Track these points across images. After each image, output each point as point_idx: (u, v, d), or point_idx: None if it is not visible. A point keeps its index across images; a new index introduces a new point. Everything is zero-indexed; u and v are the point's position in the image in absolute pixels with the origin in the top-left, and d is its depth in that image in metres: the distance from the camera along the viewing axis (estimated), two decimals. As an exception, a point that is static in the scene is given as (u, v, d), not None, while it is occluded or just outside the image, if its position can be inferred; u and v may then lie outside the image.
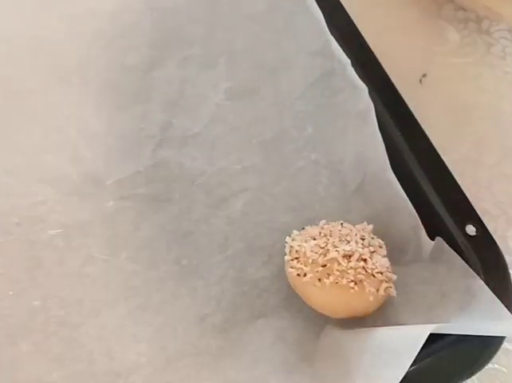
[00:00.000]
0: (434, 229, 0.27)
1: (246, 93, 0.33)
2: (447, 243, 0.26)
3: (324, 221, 0.27)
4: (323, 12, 0.32)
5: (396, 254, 0.28)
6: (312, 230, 0.26)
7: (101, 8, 0.35)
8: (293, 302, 0.27)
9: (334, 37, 0.31)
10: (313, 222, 0.28)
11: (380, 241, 0.26)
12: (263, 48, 0.34)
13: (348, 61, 0.30)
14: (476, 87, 0.35)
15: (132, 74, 0.33)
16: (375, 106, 0.29)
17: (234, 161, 0.31)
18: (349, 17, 0.32)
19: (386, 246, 0.27)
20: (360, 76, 0.30)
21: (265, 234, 0.29)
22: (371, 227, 0.27)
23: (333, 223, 0.27)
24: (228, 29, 0.35)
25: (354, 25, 0.32)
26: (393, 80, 0.34)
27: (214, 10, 0.35)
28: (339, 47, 0.30)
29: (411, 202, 0.27)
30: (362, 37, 0.31)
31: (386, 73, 0.30)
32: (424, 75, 0.35)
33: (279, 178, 0.31)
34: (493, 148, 0.33)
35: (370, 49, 0.31)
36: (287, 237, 0.27)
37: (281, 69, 0.33)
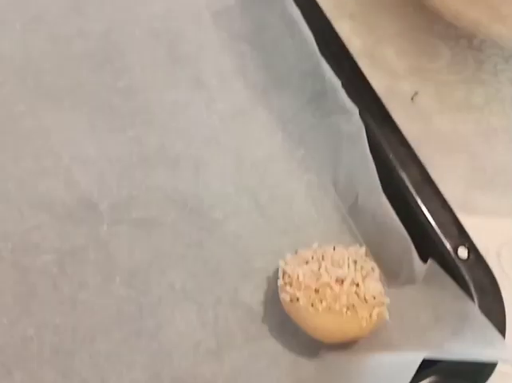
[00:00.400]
0: (426, 251, 0.27)
1: (238, 114, 0.33)
2: (440, 265, 0.26)
3: (316, 244, 0.27)
4: (313, 32, 0.32)
5: (390, 275, 0.28)
6: (304, 253, 0.26)
7: (91, 29, 0.35)
8: (287, 326, 0.27)
9: (325, 57, 0.31)
10: (307, 244, 0.28)
11: (373, 264, 0.26)
12: (254, 68, 0.34)
13: (339, 83, 0.30)
14: (467, 104, 0.35)
15: (124, 96, 0.33)
16: (366, 127, 0.29)
17: (228, 183, 0.31)
18: (339, 36, 0.32)
19: (379, 268, 0.27)
20: (350, 97, 0.30)
21: (259, 257, 0.29)
22: (363, 249, 0.27)
23: (326, 247, 0.27)
24: (219, 50, 0.35)
25: (344, 46, 0.32)
26: (385, 98, 0.34)
27: (205, 31, 0.35)
28: (329, 68, 0.30)
29: (403, 224, 0.27)
30: (352, 58, 0.31)
31: (376, 94, 0.30)
32: (416, 93, 0.35)
33: (272, 200, 0.31)
34: (485, 165, 0.34)
35: (361, 70, 0.31)
36: (280, 260, 0.27)
37: (272, 90, 0.33)
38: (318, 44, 0.31)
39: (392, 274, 0.28)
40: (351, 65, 0.31)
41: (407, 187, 0.28)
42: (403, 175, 0.28)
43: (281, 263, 0.26)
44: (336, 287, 0.24)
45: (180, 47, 0.35)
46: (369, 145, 0.29)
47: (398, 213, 0.28)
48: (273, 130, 0.33)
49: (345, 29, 0.37)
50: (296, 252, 0.27)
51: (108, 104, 0.33)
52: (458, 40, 0.37)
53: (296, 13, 0.32)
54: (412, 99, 0.35)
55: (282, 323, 0.27)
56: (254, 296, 0.28)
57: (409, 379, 0.22)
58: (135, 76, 0.34)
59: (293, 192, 0.31)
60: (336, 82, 0.30)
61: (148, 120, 0.32)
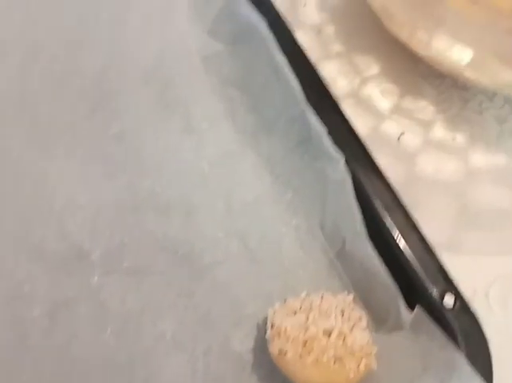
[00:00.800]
0: (413, 298, 0.27)
1: (228, 157, 0.34)
2: (427, 312, 0.26)
3: (304, 293, 0.27)
4: (299, 76, 0.32)
5: (377, 321, 0.28)
6: (293, 303, 0.27)
7: (89, 67, 0.36)
8: (276, 375, 0.27)
9: (310, 102, 0.32)
10: (296, 288, 0.29)
11: (361, 312, 0.27)
12: (243, 112, 0.35)
13: (324, 131, 0.30)
14: (453, 143, 0.36)
15: (116, 142, 0.34)
16: (352, 173, 0.30)
17: (218, 227, 0.31)
18: (325, 82, 0.33)
19: (367, 314, 0.27)
20: (336, 143, 0.30)
21: (249, 303, 0.29)
22: (351, 297, 0.27)
23: (314, 295, 0.27)
24: (209, 94, 0.35)
25: (329, 91, 0.32)
26: (370, 138, 0.35)
27: (195, 75, 0.36)
28: (314, 117, 0.31)
29: (390, 270, 0.28)
30: (338, 104, 0.32)
31: (361, 140, 0.31)
32: (402, 133, 0.36)
33: (262, 244, 0.31)
34: (470, 204, 0.34)
35: (345, 116, 0.31)
36: (269, 309, 0.27)
37: (261, 133, 0.34)
38: (304, 88, 0.32)
39: (380, 320, 0.28)
40: (336, 110, 0.32)
41: (392, 234, 0.28)
42: (389, 222, 0.28)
43: (270, 313, 0.27)
44: (324, 339, 0.24)
45: (171, 92, 0.35)
46: (355, 191, 0.29)
47: (384, 259, 0.28)
48: (262, 173, 0.33)
49: (331, 70, 0.38)
50: (285, 301, 0.27)
51: (100, 149, 0.34)
52: (443, 79, 0.38)
53: (281, 59, 0.33)
54: (399, 139, 0.36)
55: (272, 372, 0.27)
56: (244, 344, 0.28)
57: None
58: (126, 122, 0.34)
59: (282, 236, 0.31)
60: (321, 130, 0.30)
61: (140, 166, 0.33)
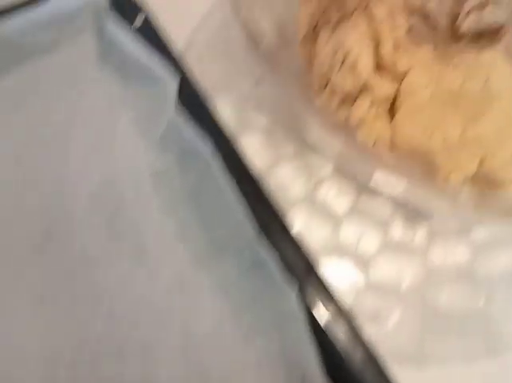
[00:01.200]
0: None
1: (181, 287, 0.33)
2: None
3: None
4: (246, 198, 0.32)
5: None
6: None
7: (34, 194, 0.35)
8: None
9: (259, 223, 0.31)
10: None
11: None
12: (195, 232, 0.34)
13: (274, 258, 0.30)
14: (411, 242, 0.35)
15: (68, 279, 0.33)
16: (307, 301, 0.29)
17: (176, 366, 0.30)
18: (273, 203, 0.32)
19: None
20: (288, 268, 0.30)
21: None
22: None
23: None
24: (159, 215, 0.35)
25: (279, 214, 0.32)
26: (330, 247, 0.35)
27: (144, 196, 0.35)
28: (263, 242, 0.30)
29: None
30: (288, 227, 0.31)
31: (313, 266, 0.30)
32: (361, 236, 0.36)
33: (223, 378, 0.30)
34: (436, 309, 0.33)
35: (296, 242, 0.31)
36: None
37: (214, 255, 0.33)
38: (251, 207, 0.32)
39: None
40: (286, 231, 0.31)
41: (352, 371, 0.27)
42: (349, 356, 0.28)
43: None
44: None
45: (121, 217, 0.35)
46: (311, 319, 0.29)
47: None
48: (216, 298, 0.32)
49: (284, 174, 0.38)
50: None
51: (50, 289, 0.32)
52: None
53: (226, 183, 0.32)
54: (357, 243, 0.35)
55: None
56: None
57: None
58: (76, 257, 0.33)
59: (243, 366, 0.30)
60: (270, 257, 0.30)
61: (91, 305, 0.32)
